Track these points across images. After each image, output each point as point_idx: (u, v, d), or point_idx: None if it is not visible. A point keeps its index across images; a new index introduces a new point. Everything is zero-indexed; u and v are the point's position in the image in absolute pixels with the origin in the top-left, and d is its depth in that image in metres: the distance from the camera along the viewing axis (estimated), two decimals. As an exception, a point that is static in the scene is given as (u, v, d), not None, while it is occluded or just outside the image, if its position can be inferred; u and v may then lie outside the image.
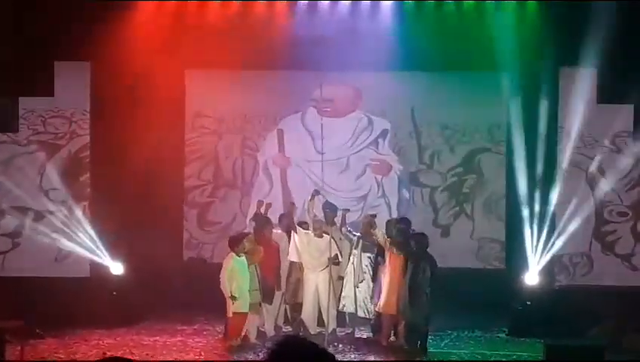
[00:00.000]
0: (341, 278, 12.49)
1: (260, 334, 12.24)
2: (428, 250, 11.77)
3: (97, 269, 13.89)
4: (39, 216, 14.28)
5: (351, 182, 15.44)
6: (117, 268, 13.75)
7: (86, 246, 13.92)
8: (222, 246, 14.45)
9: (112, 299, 13.28)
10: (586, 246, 14.35)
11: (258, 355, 11.27)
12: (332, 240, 12.11)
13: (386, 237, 12.00)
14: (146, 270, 13.76)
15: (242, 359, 11.37)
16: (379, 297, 12.06)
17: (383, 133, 15.45)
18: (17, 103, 14.40)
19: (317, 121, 15.47)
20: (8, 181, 14.26)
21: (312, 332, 12.22)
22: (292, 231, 12.43)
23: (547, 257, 13.80)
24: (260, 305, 12.10)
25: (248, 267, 11.82)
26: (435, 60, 14.24)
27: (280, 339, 3.59)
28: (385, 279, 11.91)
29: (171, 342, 12.25)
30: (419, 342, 11.72)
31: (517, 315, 13.12)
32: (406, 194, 15.47)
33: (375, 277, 12.24)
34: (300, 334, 12.19)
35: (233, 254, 11.82)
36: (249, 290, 11.75)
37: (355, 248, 12.50)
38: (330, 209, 12.77)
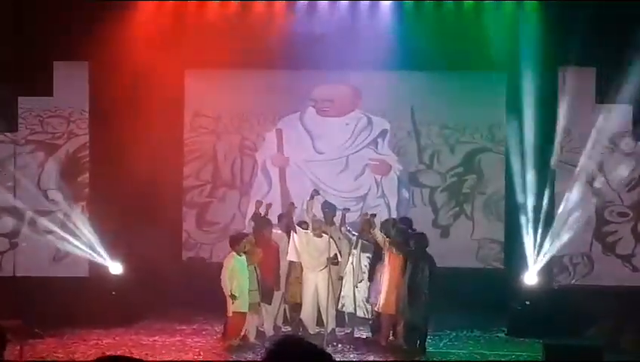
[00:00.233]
0: (340, 278, 12.61)
1: (259, 334, 12.37)
2: (427, 249, 11.89)
3: (96, 269, 14.04)
4: (37, 216, 14.42)
5: (350, 182, 15.56)
6: (116, 267, 13.92)
7: (85, 246, 14.06)
8: (220, 246, 14.65)
9: (111, 299, 13.39)
10: (587, 247, 14.47)
11: (257, 355, 11.33)
12: (331, 240, 12.24)
13: (385, 237, 12.12)
14: (144, 270, 13.89)
15: (241, 359, 11.47)
16: (375, 297, 12.19)
17: (383, 133, 15.58)
18: (17, 103, 14.58)
19: (316, 120, 15.62)
20: (6, 181, 14.43)
21: (312, 332, 12.36)
22: (291, 231, 12.57)
23: (546, 257, 13.92)
24: (259, 305, 12.22)
25: (248, 267, 11.95)
26: (435, 60, 14.37)
27: (278, 339, 3.65)
28: (384, 279, 12.03)
29: (170, 341, 12.36)
30: (418, 342, 11.84)
31: (516, 315, 13.25)
32: (405, 194, 15.60)
33: (372, 277, 12.35)
34: (299, 334, 12.34)
35: (234, 253, 11.95)
36: (248, 290, 11.88)
37: (354, 248, 12.63)
38: (329, 209, 12.91)
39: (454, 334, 13.03)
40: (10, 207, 14.50)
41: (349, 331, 12.85)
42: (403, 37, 14.30)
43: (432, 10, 14.60)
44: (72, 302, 12.94)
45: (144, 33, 14.14)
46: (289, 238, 12.58)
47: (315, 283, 12.40)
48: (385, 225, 12.55)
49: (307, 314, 12.47)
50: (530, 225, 14.07)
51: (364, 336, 12.77)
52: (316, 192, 12.91)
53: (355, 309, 12.60)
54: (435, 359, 11.79)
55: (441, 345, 12.48)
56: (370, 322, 12.69)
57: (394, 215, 14.68)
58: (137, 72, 14.28)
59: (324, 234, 12.33)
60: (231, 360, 11.61)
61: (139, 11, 14.37)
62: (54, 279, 13.78)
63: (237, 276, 11.82)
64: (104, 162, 14.43)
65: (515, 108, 14.41)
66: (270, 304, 12.50)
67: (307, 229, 12.47)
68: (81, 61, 14.28)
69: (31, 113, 14.69)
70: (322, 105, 15.64)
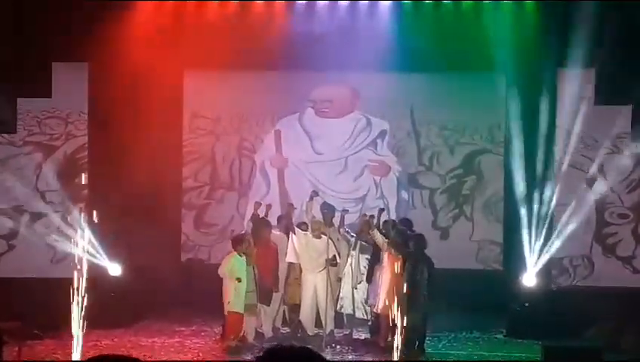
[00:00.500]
0: (339, 279, 12.75)
1: (258, 335, 12.53)
2: (426, 251, 12.02)
3: (95, 271, 14.15)
4: (35, 218, 14.61)
5: (349, 183, 15.72)
6: (115, 269, 14.05)
7: (83, 247, 14.16)
8: (219, 248, 14.85)
9: (110, 300, 13.40)
10: (587, 249, 14.60)
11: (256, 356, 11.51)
12: (330, 241, 12.38)
13: (384, 238, 12.24)
14: (144, 271, 14.07)
15: (240, 359, 11.58)
16: (374, 298, 12.32)
17: (382, 134, 15.74)
18: (15, 104, 14.74)
19: (315, 121, 15.77)
20: (4, 182, 14.60)
21: (310, 334, 12.54)
22: (290, 233, 12.72)
23: (545, 259, 14.08)
24: (257, 306, 12.34)
25: (246, 267, 12.07)
26: (435, 60, 14.49)
27: (267, 349, 3.71)
28: (383, 280, 12.16)
29: (169, 342, 12.50)
30: (417, 343, 11.93)
31: (515, 316, 13.39)
32: (405, 195, 15.74)
33: (371, 278, 12.47)
34: (299, 335, 12.60)
35: (235, 253, 12.10)
36: (246, 291, 12.01)
37: (353, 249, 12.76)
38: (328, 210, 13.06)
39: (453, 335, 13.16)
40: (8, 209, 14.68)
41: (347, 332, 13.00)
42: (402, 37, 14.44)
43: (432, 10, 14.76)
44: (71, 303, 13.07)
45: (143, 33, 14.28)
46: (288, 239, 12.72)
47: (314, 285, 12.52)
48: (384, 226, 12.72)
49: (306, 315, 12.60)
50: (530, 226, 14.23)
51: (363, 337, 12.90)
52: (315, 193, 13.05)
53: (354, 310, 12.74)
54: (434, 360, 11.90)
55: (440, 346, 12.60)
56: (369, 323, 12.80)
57: (393, 216, 14.76)
58: (136, 73, 14.42)
59: (323, 236, 12.45)
60: (229, 360, 11.72)
61: (138, 11, 14.52)
62: (53, 280, 13.79)
63: (235, 275, 11.94)
64: (103, 163, 14.55)
65: (514, 110, 14.56)
66: (269, 305, 12.62)
67: (306, 230, 12.61)
68: (79, 62, 14.42)
69: (29, 114, 14.85)
70: (321, 106, 15.81)
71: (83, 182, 14.25)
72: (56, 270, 14.29)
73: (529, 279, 13.91)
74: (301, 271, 12.67)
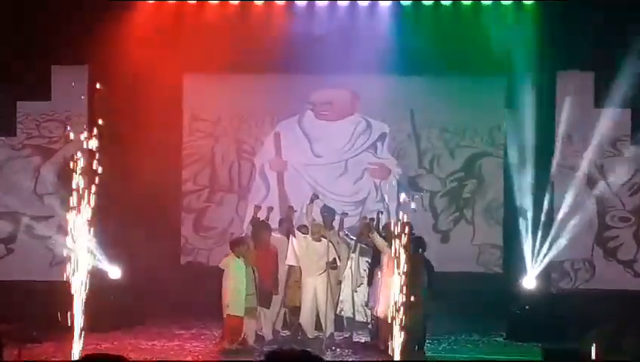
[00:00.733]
0: (339, 282, 12.88)
1: (258, 338, 12.66)
2: (427, 254, 12.11)
3: (95, 273, 14.27)
4: (34, 221, 14.78)
5: (349, 186, 15.84)
6: (114, 272, 14.18)
7: (82, 250, 14.27)
8: (218, 251, 14.90)
9: (109, 303, 13.49)
10: (588, 253, 14.76)
11: (256, 359, 11.53)
12: (330, 244, 12.51)
13: (384, 241, 12.25)
14: (143, 274, 14.20)
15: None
16: (374, 301, 12.40)
17: (382, 137, 15.88)
18: (15, 107, 14.90)
19: (314, 124, 15.89)
20: (2, 185, 14.78)
21: (310, 337, 12.67)
22: (290, 236, 12.86)
23: (545, 262, 14.23)
24: (257, 309, 12.47)
25: (245, 270, 12.21)
26: (434, 62, 14.60)
27: (267, 352, 3.84)
28: (383, 283, 12.17)
29: (169, 346, 12.60)
30: (417, 346, 11.97)
31: (515, 319, 13.52)
32: (405, 198, 15.88)
33: (371, 281, 12.55)
34: (299, 338, 12.75)
35: (233, 255, 12.26)
36: (245, 294, 12.16)
37: (353, 252, 12.89)
38: (328, 213, 13.19)
39: (453, 338, 13.31)
40: (6, 212, 14.83)
41: (347, 335, 13.13)
42: (401, 40, 14.56)
43: (431, 11, 14.88)
44: (71, 306, 13.18)
45: (142, 34, 14.39)
46: (288, 242, 12.85)
47: (314, 288, 12.64)
48: (385, 229, 12.83)
49: (306, 318, 12.72)
50: (530, 230, 14.37)
51: (363, 341, 13.03)
52: (316, 196, 13.17)
53: (354, 313, 12.87)
54: (433, 362, 12.07)
55: (440, 349, 12.72)
56: (369, 326, 12.93)
57: (393, 220, 14.89)
58: (136, 74, 14.54)
59: (323, 239, 12.57)
60: (229, 361, 11.85)
61: (137, 12, 14.65)
62: (53, 283, 13.89)
63: (233, 278, 12.09)
64: (102, 166, 14.65)
65: (514, 112, 14.72)
66: (269, 308, 12.75)
67: (307, 233, 12.73)
68: (79, 65, 14.55)
69: (28, 117, 14.99)
70: (321, 109, 15.93)
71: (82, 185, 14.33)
72: (55, 273, 14.36)
73: (529, 282, 14.05)
74: (301, 274, 12.77)
